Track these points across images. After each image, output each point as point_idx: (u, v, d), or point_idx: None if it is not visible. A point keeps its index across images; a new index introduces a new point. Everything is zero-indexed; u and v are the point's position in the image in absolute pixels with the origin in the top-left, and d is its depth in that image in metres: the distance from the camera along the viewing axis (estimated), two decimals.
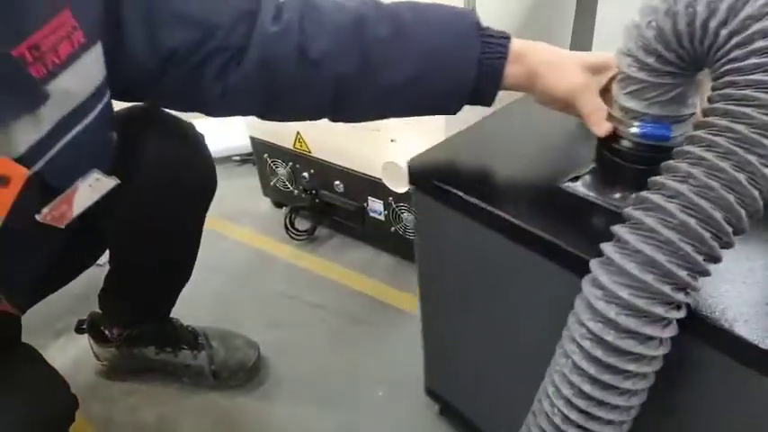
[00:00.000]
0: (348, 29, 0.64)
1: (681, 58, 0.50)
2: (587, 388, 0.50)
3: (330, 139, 1.32)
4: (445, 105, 0.69)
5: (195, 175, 0.90)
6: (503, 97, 0.70)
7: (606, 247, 0.48)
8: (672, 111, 0.55)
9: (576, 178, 0.66)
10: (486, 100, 0.68)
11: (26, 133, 0.56)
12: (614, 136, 0.61)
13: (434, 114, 0.72)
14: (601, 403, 0.50)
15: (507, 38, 0.65)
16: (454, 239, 0.74)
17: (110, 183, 0.68)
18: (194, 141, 0.89)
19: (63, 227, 0.66)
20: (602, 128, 0.61)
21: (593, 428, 0.51)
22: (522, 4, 1.18)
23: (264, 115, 0.73)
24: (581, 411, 0.51)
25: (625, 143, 0.60)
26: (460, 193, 0.67)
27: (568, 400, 0.51)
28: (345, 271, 1.40)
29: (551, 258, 0.59)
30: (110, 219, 0.85)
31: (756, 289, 0.51)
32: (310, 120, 0.74)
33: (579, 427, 0.51)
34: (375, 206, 1.33)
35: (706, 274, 0.46)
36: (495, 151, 0.76)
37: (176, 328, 1.11)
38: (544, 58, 0.64)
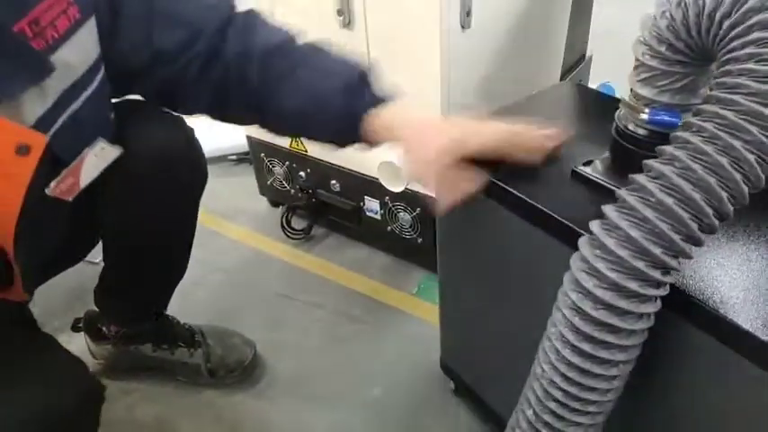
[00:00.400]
0: (269, 55, 0.69)
1: (689, 47, 0.52)
2: (568, 354, 0.52)
3: None
4: (329, 143, 0.73)
5: (189, 165, 0.90)
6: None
7: (593, 224, 0.50)
8: (682, 99, 0.57)
9: (589, 162, 0.67)
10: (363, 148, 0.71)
11: (33, 105, 0.59)
12: (627, 123, 0.63)
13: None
14: (582, 370, 0.52)
15: (377, 103, 0.67)
16: (473, 216, 0.76)
17: (114, 152, 0.71)
18: (186, 133, 0.90)
19: (70, 200, 0.68)
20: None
21: (575, 393, 0.53)
22: (519, 3, 1.18)
23: (210, 116, 0.78)
24: (563, 376, 0.53)
25: (637, 130, 0.61)
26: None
27: (553, 365, 0.53)
28: (341, 270, 1.40)
29: (560, 238, 0.61)
30: (104, 211, 0.85)
31: (749, 276, 0.52)
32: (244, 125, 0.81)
33: (563, 390, 0.54)
34: (371, 205, 1.34)
35: (685, 254, 0.46)
36: None
37: (173, 326, 1.11)
38: (414, 139, 0.65)
